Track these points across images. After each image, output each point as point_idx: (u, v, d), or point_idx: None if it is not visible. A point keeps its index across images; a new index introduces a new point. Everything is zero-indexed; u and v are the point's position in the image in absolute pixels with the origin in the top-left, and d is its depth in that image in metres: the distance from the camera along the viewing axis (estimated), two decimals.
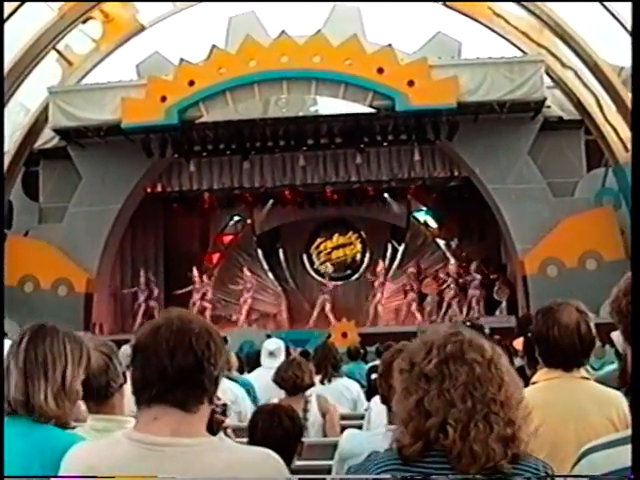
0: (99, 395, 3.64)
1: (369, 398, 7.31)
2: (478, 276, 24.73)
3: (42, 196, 24.58)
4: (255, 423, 4.49)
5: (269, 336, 15.49)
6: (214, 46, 21.64)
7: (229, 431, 3.66)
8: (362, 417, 6.62)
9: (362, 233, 27.93)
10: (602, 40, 19.85)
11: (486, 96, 20.85)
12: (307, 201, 26.90)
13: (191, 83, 21.12)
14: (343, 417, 7.00)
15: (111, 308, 25.22)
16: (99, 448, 2.51)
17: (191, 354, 2.36)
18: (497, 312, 24.06)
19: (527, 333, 4.80)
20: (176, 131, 22.13)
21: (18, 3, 19.33)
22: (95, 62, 23.17)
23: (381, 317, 25.80)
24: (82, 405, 3.89)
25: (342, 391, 8.17)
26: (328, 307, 25.77)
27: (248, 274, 26.54)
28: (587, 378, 3.81)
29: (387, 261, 27.46)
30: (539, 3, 20.20)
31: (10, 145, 22.58)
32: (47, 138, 23.37)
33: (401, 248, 27.51)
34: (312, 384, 6.61)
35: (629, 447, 2.11)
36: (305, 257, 28.09)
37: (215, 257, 28.34)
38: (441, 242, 27.41)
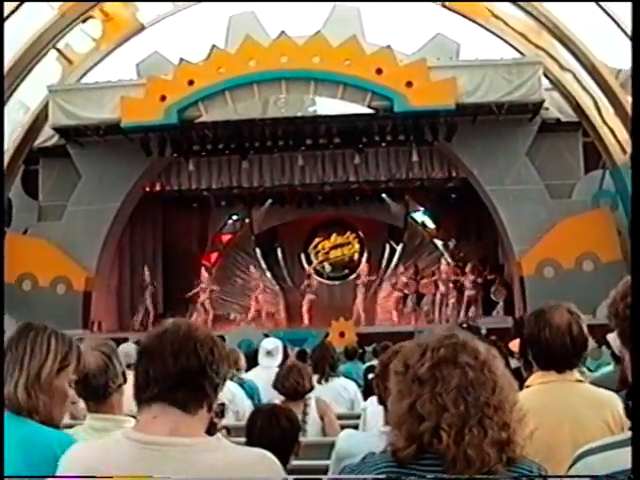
0: (98, 395, 3.67)
1: (366, 398, 7.34)
2: (472, 277, 24.77)
3: (41, 194, 24.58)
4: (253, 423, 4.51)
5: (267, 335, 15.49)
6: (214, 46, 21.65)
7: (223, 432, 3.68)
8: (359, 417, 6.65)
9: (360, 233, 27.95)
10: (600, 42, 19.88)
11: (484, 97, 20.86)
12: (305, 201, 26.93)
13: (190, 83, 21.13)
14: (340, 417, 7.02)
15: (110, 306, 25.20)
16: (98, 448, 2.54)
17: (195, 358, 2.41)
18: (494, 313, 24.05)
19: (523, 335, 4.83)
20: (175, 130, 22.13)
21: (18, 2, 19.33)
22: (95, 61, 23.16)
23: (378, 317, 25.83)
24: (81, 404, 3.92)
25: (339, 391, 8.18)
26: (306, 307, 25.87)
27: (254, 272, 26.61)
28: (581, 380, 3.80)
29: (385, 261, 27.51)
30: (537, 5, 20.21)
31: (10, 143, 22.57)
32: (47, 136, 23.37)
33: (399, 248, 27.54)
34: (312, 388, 6.64)
35: (625, 450, 2.09)
36: (303, 256, 28.09)
37: (213, 256, 28.35)
38: (439, 242, 27.43)
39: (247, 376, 8.54)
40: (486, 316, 23.68)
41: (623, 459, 2.09)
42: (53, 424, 2.91)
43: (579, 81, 21.07)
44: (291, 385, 6.43)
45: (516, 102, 20.93)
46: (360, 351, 13.39)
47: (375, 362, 9.16)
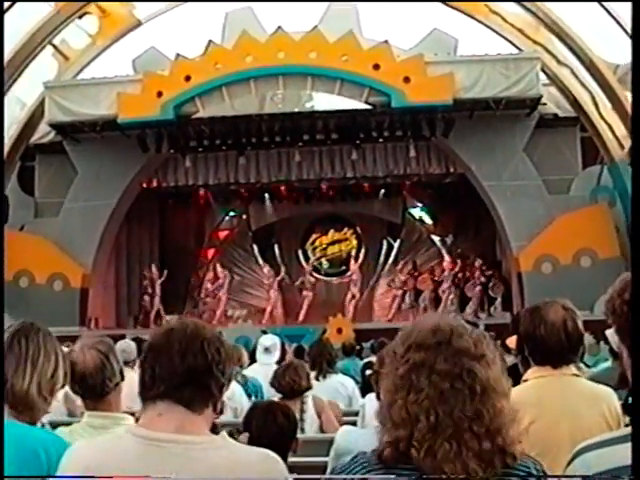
0: (95, 393, 3.66)
1: (364, 394, 7.33)
2: (470, 273, 24.79)
3: (38, 191, 24.57)
4: (250, 420, 4.50)
5: (264, 332, 15.51)
6: (210, 41, 21.64)
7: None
8: (357, 413, 6.64)
9: (357, 229, 27.93)
10: (598, 38, 19.89)
11: (482, 93, 20.86)
12: (303, 197, 26.94)
13: (187, 78, 21.11)
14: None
15: (107, 303, 25.16)
16: (102, 444, 2.54)
17: (201, 357, 2.42)
18: (492, 309, 24.06)
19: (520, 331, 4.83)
20: (172, 126, 22.11)
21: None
22: (91, 57, 23.17)
23: (376, 313, 25.84)
24: (78, 401, 3.90)
25: (337, 387, 8.17)
26: (305, 304, 25.92)
27: (266, 270, 26.66)
28: (577, 375, 3.83)
29: (382, 257, 27.52)
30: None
31: (6, 139, 22.55)
32: (43, 133, 23.37)
33: (396, 244, 27.55)
34: (309, 387, 6.62)
35: (623, 446, 2.08)
36: (300, 253, 28.08)
37: (210, 252, 28.34)
38: (436, 238, 27.44)
39: (246, 373, 8.52)
40: (484, 312, 23.70)
41: (621, 455, 2.08)
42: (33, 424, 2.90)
43: (577, 76, 21.08)
44: (288, 383, 6.42)
45: (514, 97, 20.93)
46: (358, 347, 13.39)
47: (373, 358, 9.17)
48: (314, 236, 28.11)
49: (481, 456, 2.09)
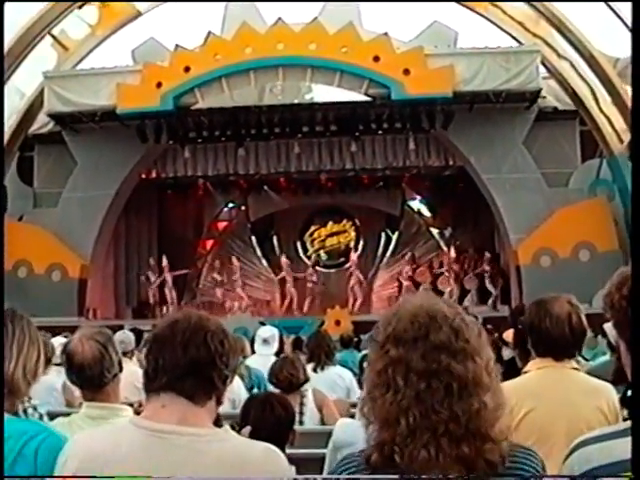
0: (93, 384, 3.65)
1: (362, 386, 7.32)
2: (468, 266, 24.81)
3: (37, 181, 24.56)
4: (247, 411, 4.49)
5: (263, 323, 15.50)
6: (210, 32, 21.61)
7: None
8: (355, 405, 6.63)
9: (356, 221, 27.94)
10: (598, 31, 19.89)
11: (482, 86, 20.84)
12: (302, 188, 26.94)
13: (187, 69, 21.11)
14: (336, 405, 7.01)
15: (105, 293, 25.17)
16: (104, 434, 2.54)
17: (204, 348, 2.41)
18: (490, 302, 24.06)
19: (518, 325, 4.84)
20: (171, 117, 22.10)
21: None
22: (91, 47, 23.13)
23: (375, 306, 25.84)
24: (77, 392, 3.90)
25: (335, 379, 8.16)
26: (307, 295, 25.98)
27: (285, 261, 26.69)
28: (577, 369, 3.86)
29: (381, 249, 27.53)
30: None
31: (5, 129, 22.53)
32: (42, 123, 23.33)
33: (395, 236, 27.56)
34: (307, 380, 6.62)
35: (622, 441, 2.06)
36: (299, 244, 28.09)
37: (209, 243, 28.36)
38: (435, 231, 27.46)
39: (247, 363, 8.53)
40: (482, 305, 23.69)
41: (620, 450, 2.06)
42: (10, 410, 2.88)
43: (577, 70, 21.07)
44: (285, 377, 6.41)
45: (513, 90, 20.92)
46: (356, 339, 13.38)
47: None
48: (313, 228, 28.13)
49: (460, 461, 2.01)
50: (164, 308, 24.77)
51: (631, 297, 2.16)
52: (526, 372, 3.88)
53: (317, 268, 27.08)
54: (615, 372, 4.36)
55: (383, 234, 27.81)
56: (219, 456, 2.33)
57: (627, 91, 18.80)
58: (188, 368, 2.39)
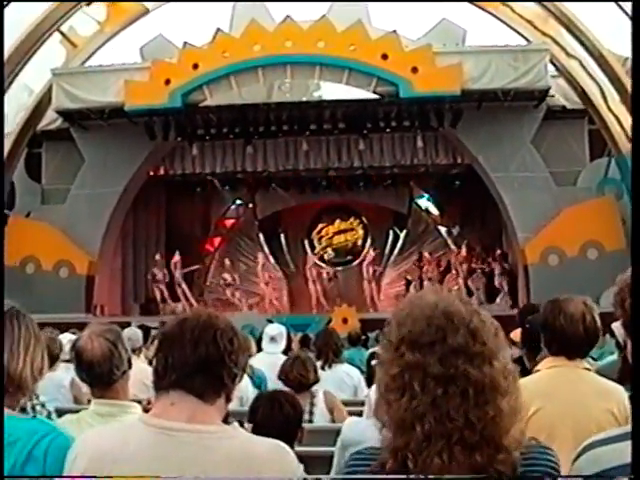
0: (102, 381, 3.66)
1: (370, 384, 7.33)
2: (476, 264, 24.77)
3: (44, 177, 24.57)
4: (255, 409, 4.51)
5: (270, 321, 15.51)
6: (218, 30, 21.60)
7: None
8: (362, 403, 6.63)
9: (364, 219, 27.94)
10: (607, 30, 19.82)
11: (490, 84, 20.81)
12: (309, 186, 26.94)
13: (195, 66, 21.10)
14: (344, 403, 7.01)
15: (112, 290, 25.19)
16: (114, 432, 2.55)
17: (214, 346, 2.42)
18: (497, 300, 24.03)
19: (526, 324, 4.85)
20: (179, 114, 22.11)
21: None
22: (99, 44, 23.15)
23: (382, 303, 25.83)
24: (84, 388, 3.90)
25: (343, 377, 8.17)
26: (314, 293, 25.94)
27: (312, 257, 26.74)
28: (588, 369, 3.88)
29: (388, 247, 27.53)
30: None
31: (13, 126, 22.58)
32: (50, 120, 23.33)
33: (402, 234, 27.55)
34: (317, 380, 6.62)
35: (630, 443, 2.09)
36: (307, 242, 28.09)
37: (216, 241, 28.38)
38: (442, 229, 27.45)
39: (251, 362, 8.52)
40: (489, 303, 23.66)
41: (629, 452, 2.05)
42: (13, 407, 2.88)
43: (585, 68, 21.02)
44: (295, 377, 6.42)
45: (522, 89, 20.88)
46: (363, 337, 13.39)
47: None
48: (320, 226, 28.12)
49: (473, 469, 1.98)
50: (171, 305, 24.79)
51: (631, 297, 2.16)
52: (538, 371, 3.90)
53: (325, 266, 27.07)
54: (620, 371, 4.37)
55: (391, 232, 27.80)
56: (228, 453, 2.33)
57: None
58: (197, 366, 2.39)
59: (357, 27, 20.91)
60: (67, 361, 6.48)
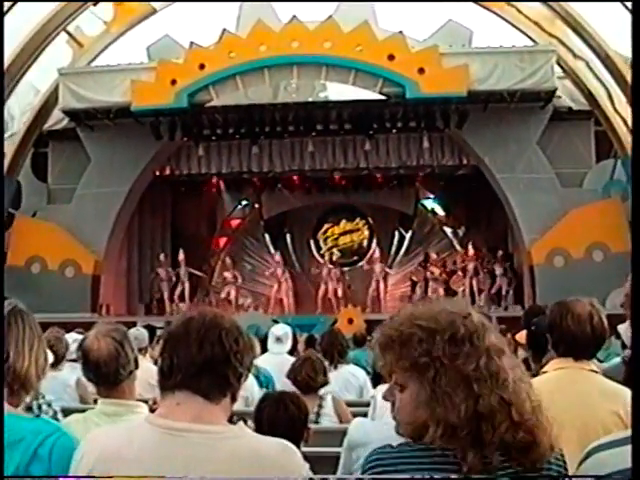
0: (109, 381, 3.66)
1: (375, 385, 7.33)
2: (482, 265, 24.76)
3: (51, 177, 24.60)
4: (261, 411, 4.51)
5: (276, 321, 15.50)
6: (225, 30, 21.61)
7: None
8: (368, 404, 6.64)
9: (369, 220, 27.95)
10: (614, 31, 19.78)
11: (496, 85, 20.80)
12: (315, 187, 26.99)
13: (201, 67, 21.10)
14: (349, 404, 7.02)
15: (118, 290, 25.22)
16: (120, 432, 2.55)
17: (219, 346, 2.41)
18: (503, 302, 24.02)
19: (531, 326, 4.84)
20: (186, 114, 22.11)
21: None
22: (105, 44, 23.16)
23: (387, 304, 25.81)
24: (90, 387, 3.90)
25: (348, 378, 8.17)
26: (331, 292, 25.89)
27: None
28: (595, 371, 3.87)
29: (394, 248, 27.52)
30: None
31: (20, 126, 22.63)
32: (57, 119, 23.35)
33: (408, 235, 27.55)
34: (326, 382, 6.62)
35: None
36: (312, 242, 28.09)
37: (222, 241, 28.40)
38: (448, 230, 27.43)
39: (257, 362, 8.52)
40: (495, 305, 23.67)
41: None
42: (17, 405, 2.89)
43: (592, 70, 21.00)
44: (304, 379, 6.41)
45: (528, 90, 20.87)
46: (369, 338, 13.38)
47: None
48: (326, 226, 28.13)
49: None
50: (177, 305, 24.80)
51: (632, 298, 2.16)
52: (544, 372, 3.89)
53: (331, 266, 27.06)
54: (625, 374, 4.36)
55: (396, 233, 27.81)
56: (233, 452, 2.33)
57: None
58: (203, 366, 2.39)
59: (363, 28, 20.90)
60: (73, 360, 6.50)
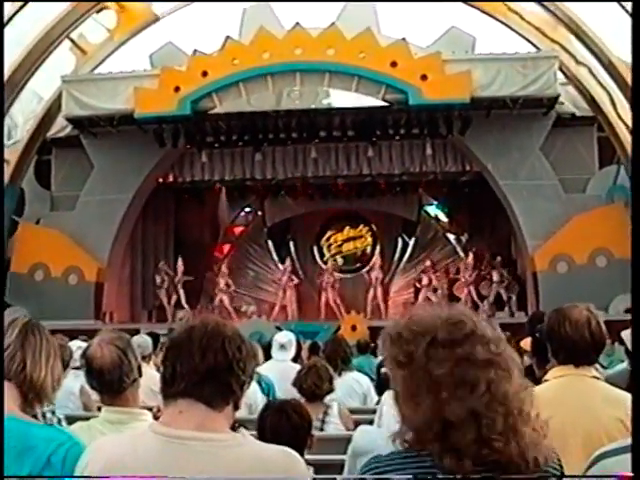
0: (112, 388, 3.67)
1: (379, 392, 7.32)
2: (485, 272, 24.73)
3: (54, 184, 24.59)
4: (263, 420, 4.51)
5: (279, 328, 15.50)
6: (228, 37, 21.64)
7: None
8: (373, 411, 6.63)
9: (373, 226, 27.94)
10: (616, 37, 19.77)
11: (499, 91, 20.79)
12: (318, 193, 26.98)
13: (204, 74, 21.12)
14: (353, 411, 7.02)
15: (121, 297, 25.20)
16: (124, 440, 2.55)
17: (222, 354, 2.41)
18: (506, 308, 24.00)
19: (535, 333, 4.84)
20: (189, 122, 22.13)
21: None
22: (109, 52, 23.20)
23: (390, 311, 25.80)
24: (93, 395, 3.90)
25: (352, 385, 8.17)
26: (332, 300, 25.87)
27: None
28: (597, 377, 3.85)
29: (397, 255, 27.51)
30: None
31: (23, 133, 22.67)
32: (60, 127, 23.38)
33: (411, 242, 27.55)
34: (332, 390, 6.61)
35: None
36: (315, 249, 28.09)
37: (226, 248, 28.41)
38: (451, 236, 27.45)
39: (261, 369, 8.52)
40: (498, 311, 23.65)
41: None
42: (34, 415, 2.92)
43: (595, 76, 21.00)
44: (309, 387, 6.42)
45: (531, 96, 20.85)
46: (372, 345, 13.37)
47: None
48: (329, 233, 28.13)
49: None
50: (180, 312, 24.78)
51: (632, 298, 2.16)
52: (546, 380, 3.88)
53: (334, 273, 27.04)
54: (630, 380, 4.35)
55: (400, 239, 27.81)
56: (237, 460, 2.34)
57: None
58: (206, 374, 2.39)
59: (366, 34, 20.91)
60: (76, 368, 6.50)
